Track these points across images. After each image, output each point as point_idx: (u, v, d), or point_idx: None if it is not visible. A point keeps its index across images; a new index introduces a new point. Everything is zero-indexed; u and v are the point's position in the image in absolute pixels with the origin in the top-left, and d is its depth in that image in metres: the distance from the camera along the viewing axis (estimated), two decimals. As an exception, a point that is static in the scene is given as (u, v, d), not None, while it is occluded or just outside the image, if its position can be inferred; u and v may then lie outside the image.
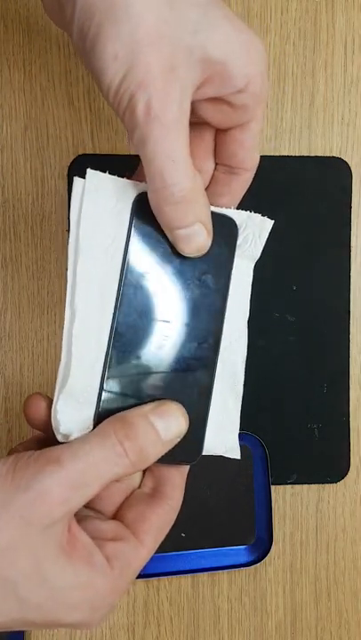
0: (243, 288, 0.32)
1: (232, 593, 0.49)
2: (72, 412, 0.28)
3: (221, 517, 0.48)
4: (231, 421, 0.32)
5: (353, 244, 0.48)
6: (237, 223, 0.31)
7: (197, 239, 0.28)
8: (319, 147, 0.48)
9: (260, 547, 0.48)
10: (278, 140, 0.47)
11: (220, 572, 0.49)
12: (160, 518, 0.30)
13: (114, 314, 0.29)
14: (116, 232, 0.29)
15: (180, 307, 0.30)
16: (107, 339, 0.29)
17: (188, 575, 0.49)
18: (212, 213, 0.29)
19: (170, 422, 0.29)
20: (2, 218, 0.46)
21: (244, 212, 0.31)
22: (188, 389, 0.30)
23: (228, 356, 0.32)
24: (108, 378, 0.29)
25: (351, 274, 0.48)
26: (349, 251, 0.48)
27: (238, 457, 0.32)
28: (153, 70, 0.25)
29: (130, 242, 0.29)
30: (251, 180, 0.32)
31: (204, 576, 0.49)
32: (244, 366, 0.32)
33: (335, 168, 0.47)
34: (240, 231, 0.31)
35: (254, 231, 0.31)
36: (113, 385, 0.29)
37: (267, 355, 0.47)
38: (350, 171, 0.48)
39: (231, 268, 0.31)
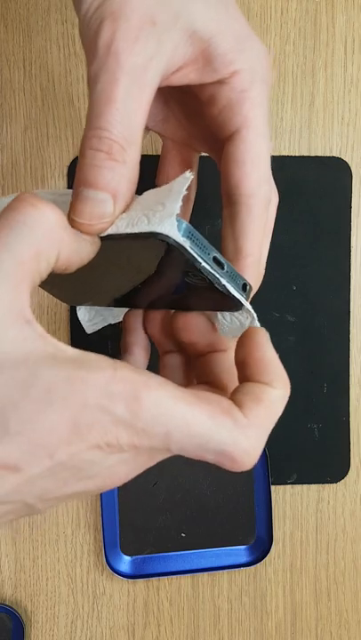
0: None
1: (232, 593, 0.49)
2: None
3: (221, 517, 0.48)
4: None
5: (353, 244, 0.48)
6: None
7: (98, 208, 0.23)
8: (319, 147, 0.48)
9: (260, 547, 0.48)
10: (278, 140, 0.47)
11: (220, 571, 0.49)
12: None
13: None
14: None
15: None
16: None
17: (188, 575, 0.49)
18: None
19: None
20: (2, 218, 0.46)
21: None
22: None
23: None
24: None
25: (351, 274, 0.48)
26: (349, 251, 0.48)
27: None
28: (132, 9, 0.22)
29: None
30: (265, 213, 0.27)
31: (204, 576, 0.49)
32: None
33: (335, 168, 0.47)
34: None
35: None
36: None
37: (267, 355, 0.47)
38: (350, 171, 0.48)
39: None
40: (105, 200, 0.23)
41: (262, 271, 0.28)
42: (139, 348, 0.30)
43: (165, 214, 0.22)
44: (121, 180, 0.23)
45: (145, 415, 0.21)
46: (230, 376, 0.27)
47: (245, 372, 0.25)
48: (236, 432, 0.22)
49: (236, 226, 0.27)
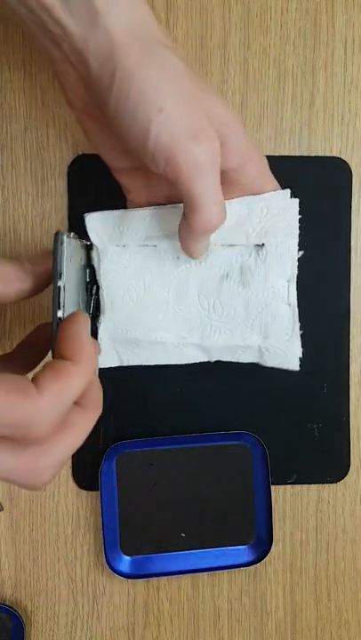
0: None
1: (232, 593, 0.49)
2: None
3: (221, 517, 0.48)
4: None
5: (353, 244, 0.48)
6: None
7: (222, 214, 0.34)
8: (319, 147, 0.48)
9: (260, 547, 0.48)
10: (278, 140, 0.47)
11: (220, 571, 0.49)
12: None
13: None
14: None
15: None
16: None
17: (188, 575, 0.49)
18: None
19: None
20: (2, 218, 0.46)
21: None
22: None
23: None
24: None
25: (351, 274, 0.48)
26: (349, 251, 0.48)
27: None
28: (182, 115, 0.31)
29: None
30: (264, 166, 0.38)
31: (204, 576, 0.49)
32: None
33: (335, 168, 0.47)
34: None
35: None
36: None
37: (267, 355, 0.47)
38: (350, 171, 0.48)
39: None
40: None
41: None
42: None
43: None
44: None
45: None
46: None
47: (58, 349, 0.31)
48: (27, 404, 0.27)
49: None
